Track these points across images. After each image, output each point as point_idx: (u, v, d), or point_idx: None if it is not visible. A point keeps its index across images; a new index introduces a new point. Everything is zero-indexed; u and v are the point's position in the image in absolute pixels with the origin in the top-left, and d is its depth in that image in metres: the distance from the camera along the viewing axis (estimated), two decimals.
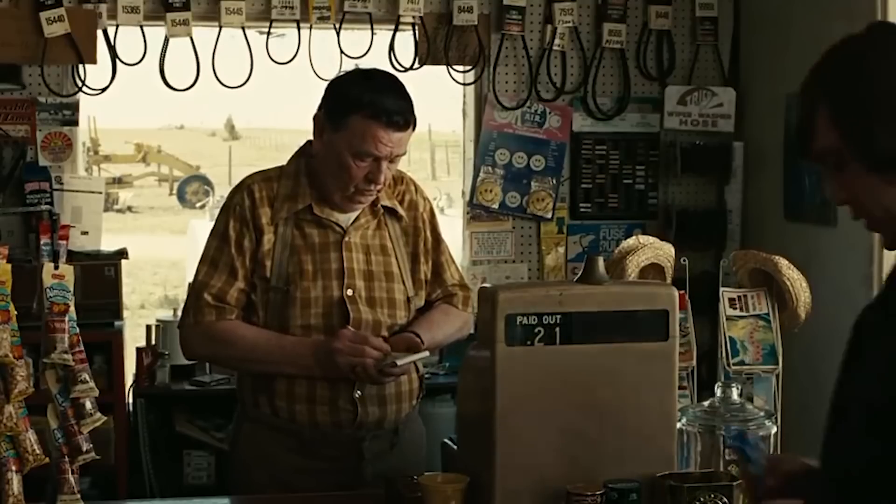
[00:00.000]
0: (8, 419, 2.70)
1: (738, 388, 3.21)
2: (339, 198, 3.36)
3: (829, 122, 2.05)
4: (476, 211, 5.82)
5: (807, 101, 2.10)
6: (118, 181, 25.81)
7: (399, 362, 3.23)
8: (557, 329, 2.81)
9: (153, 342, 5.62)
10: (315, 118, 3.37)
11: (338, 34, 5.50)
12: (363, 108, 3.25)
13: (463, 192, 5.93)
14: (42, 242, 2.83)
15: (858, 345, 2.14)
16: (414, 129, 3.34)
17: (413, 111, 3.32)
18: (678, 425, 2.95)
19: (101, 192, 5.59)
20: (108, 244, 5.48)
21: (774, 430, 3.08)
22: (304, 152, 3.45)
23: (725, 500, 2.71)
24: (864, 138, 2.01)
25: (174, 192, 26.69)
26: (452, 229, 5.59)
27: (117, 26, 5.33)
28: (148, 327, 5.70)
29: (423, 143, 27.29)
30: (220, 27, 5.41)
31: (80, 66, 5.31)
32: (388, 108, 3.25)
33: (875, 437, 2.00)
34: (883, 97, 2.01)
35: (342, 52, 5.49)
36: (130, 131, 29.12)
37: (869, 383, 2.06)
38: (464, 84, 5.79)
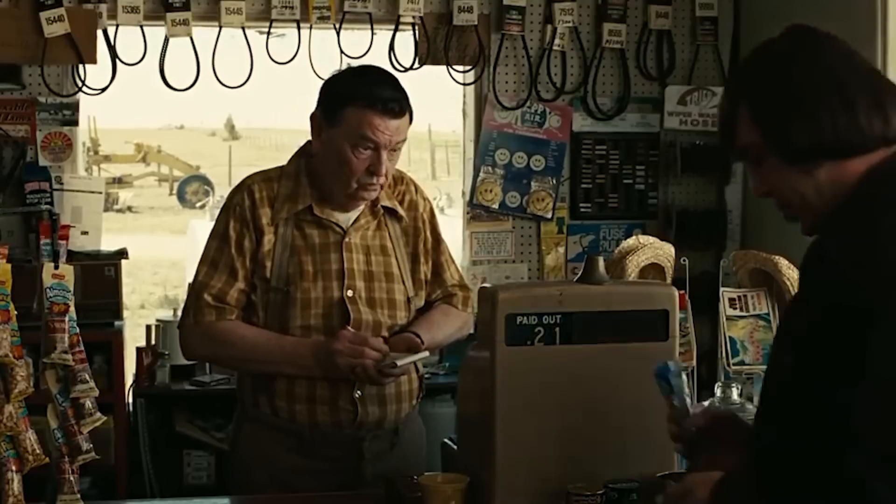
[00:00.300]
0: (8, 419, 2.70)
1: (738, 388, 3.21)
2: (343, 195, 3.36)
3: (750, 120, 2.22)
4: (476, 211, 5.82)
5: (729, 101, 2.28)
6: (118, 181, 25.79)
7: (399, 363, 3.23)
8: (557, 329, 2.81)
9: (153, 342, 5.62)
10: (312, 117, 3.37)
11: (338, 34, 5.50)
12: (357, 99, 3.26)
13: (463, 192, 5.93)
14: (42, 242, 2.83)
15: (781, 329, 2.31)
16: (411, 119, 3.34)
17: (408, 100, 3.32)
18: None
19: (101, 192, 5.59)
20: (108, 244, 5.48)
21: None
22: (304, 152, 3.45)
23: None
24: (781, 134, 2.17)
25: (174, 192, 26.67)
26: (452, 229, 5.59)
27: (117, 26, 5.33)
28: (148, 327, 5.70)
29: (423, 143, 27.29)
30: (220, 27, 5.41)
31: (80, 66, 5.31)
32: (383, 96, 3.26)
33: (767, 423, 2.18)
34: (797, 96, 2.17)
35: (342, 52, 5.49)
36: (130, 131, 29.09)
37: (768, 369, 2.24)
38: (464, 84, 5.79)
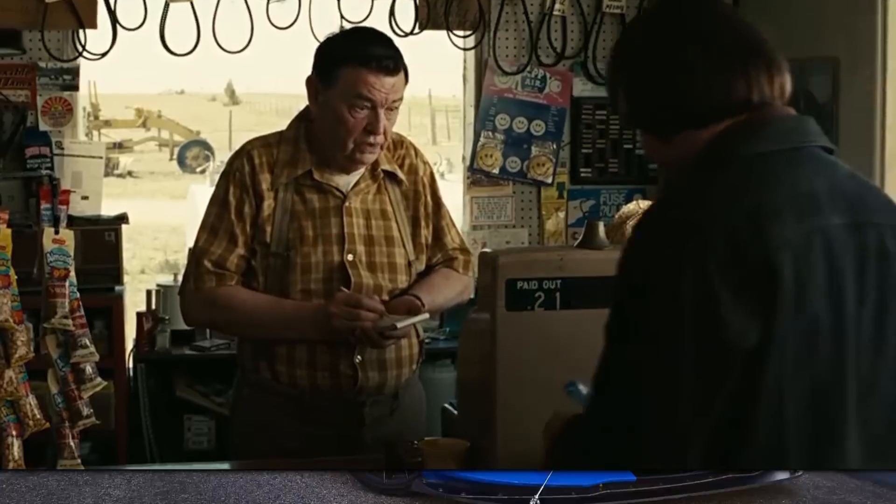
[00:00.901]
0: (8, 384, 2.70)
1: None
2: (341, 157, 3.35)
3: (623, 94, 2.29)
4: (476, 176, 5.82)
5: (611, 73, 2.37)
6: (118, 146, 25.77)
7: (399, 325, 3.22)
8: (557, 294, 2.81)
9: (153, 307, 5.62)
10: (307, 81, 3.36)
11: None
12: (351, 58, 3.26)
13: (463, 157, 5.92)
14: (42, 207, 2.83)
15: None
16: (407, 78, 3.33)
17: (402, 58, 3.32)
18: None
19: (101, 157, 5.59)
20: (108, 209, 5.48)
21: None
22: (303, 117, 3.44)
23: None
24: (641, 108, 2.26)
25: (174, 157, 26.67)
26: (453, 194, 5.58)
27: None
28: (148, 292, 5.70)
29: (424, 108, 27.26)
30: None
31: (81, 31, 5.30)
32: (376, 54, 3.26)
33: None
34: (649, 70, 2.23)
35: (342, 16, 5.48)
36: (131, 96, 29.05)
37: None
38: (464, 49, 5.78)
